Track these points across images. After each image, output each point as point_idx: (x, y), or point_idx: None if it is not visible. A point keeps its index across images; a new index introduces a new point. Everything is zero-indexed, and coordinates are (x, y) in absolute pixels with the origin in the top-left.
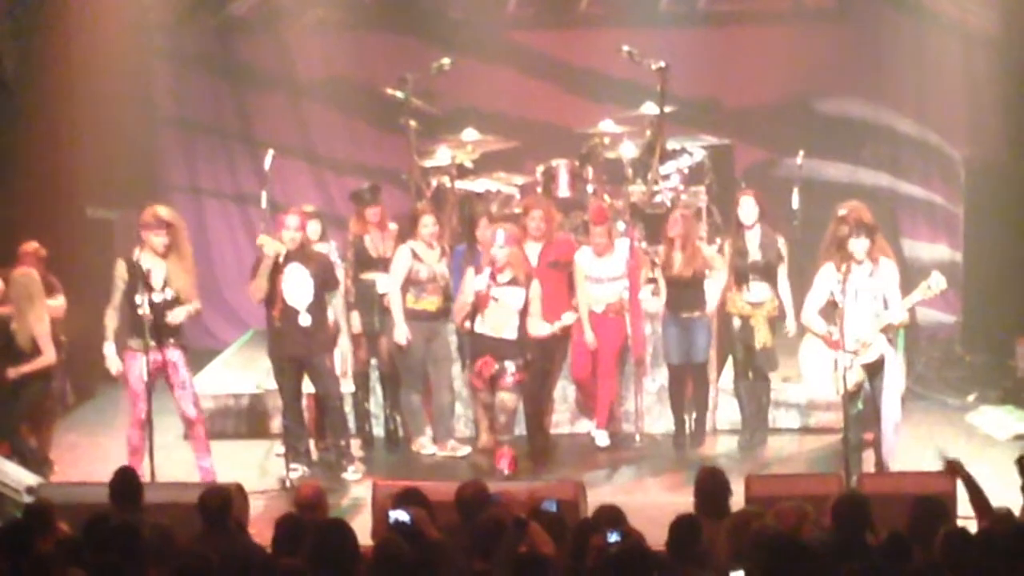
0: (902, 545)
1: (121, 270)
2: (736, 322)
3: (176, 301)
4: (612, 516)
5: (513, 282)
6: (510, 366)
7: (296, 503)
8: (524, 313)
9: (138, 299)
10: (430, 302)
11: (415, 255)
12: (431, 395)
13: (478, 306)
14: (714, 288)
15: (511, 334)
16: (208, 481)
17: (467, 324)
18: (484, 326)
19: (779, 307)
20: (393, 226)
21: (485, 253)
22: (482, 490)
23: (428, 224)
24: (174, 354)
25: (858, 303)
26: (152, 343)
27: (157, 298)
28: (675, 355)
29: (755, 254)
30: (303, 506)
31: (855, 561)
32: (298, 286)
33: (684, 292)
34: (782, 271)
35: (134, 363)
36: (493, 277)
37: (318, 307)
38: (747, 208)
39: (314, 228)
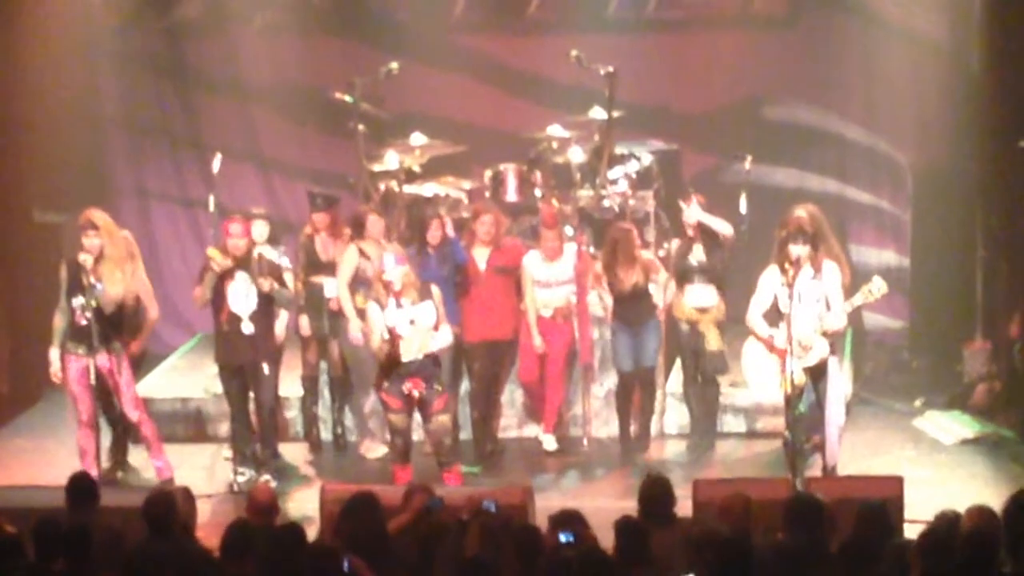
0: (859, 553)
1: (63, 273)
2: (684, 327)
3: (117, 305)
4: (571, 519)
5: (417, 299)
6: (437, 387)
7: (250, 507)
8: (437, 323)
9: (75, 302)
10: None
11: (363, 253)
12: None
13: (394, 340)
14: (659, 289)
15: (431, 349)
16: (164, 479)
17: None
18: (407, 354)
19: (726, 312)
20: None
21: (436, 254)
22: (430, 494)
23: (374, 222)
24: (112, 358)
25: (801, 306)
26: (87, 347)
27: (93, 302)
28: (626, 363)
29: (699, 256)
30: (258, 510)
31: (817, 568)
32: (242, 294)
33: (629, 304)
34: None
35: (71, 366)
36: (399, 305)
37: (262, 315)
38: (692, 212)
39: (262, 230)
